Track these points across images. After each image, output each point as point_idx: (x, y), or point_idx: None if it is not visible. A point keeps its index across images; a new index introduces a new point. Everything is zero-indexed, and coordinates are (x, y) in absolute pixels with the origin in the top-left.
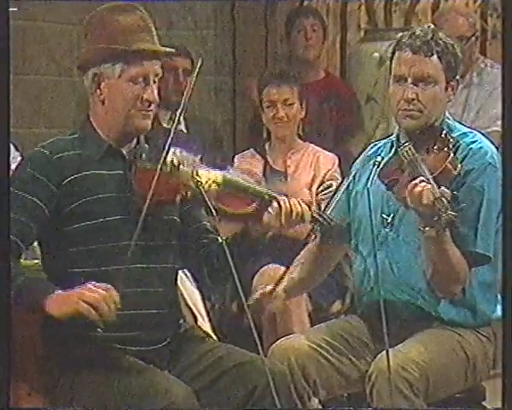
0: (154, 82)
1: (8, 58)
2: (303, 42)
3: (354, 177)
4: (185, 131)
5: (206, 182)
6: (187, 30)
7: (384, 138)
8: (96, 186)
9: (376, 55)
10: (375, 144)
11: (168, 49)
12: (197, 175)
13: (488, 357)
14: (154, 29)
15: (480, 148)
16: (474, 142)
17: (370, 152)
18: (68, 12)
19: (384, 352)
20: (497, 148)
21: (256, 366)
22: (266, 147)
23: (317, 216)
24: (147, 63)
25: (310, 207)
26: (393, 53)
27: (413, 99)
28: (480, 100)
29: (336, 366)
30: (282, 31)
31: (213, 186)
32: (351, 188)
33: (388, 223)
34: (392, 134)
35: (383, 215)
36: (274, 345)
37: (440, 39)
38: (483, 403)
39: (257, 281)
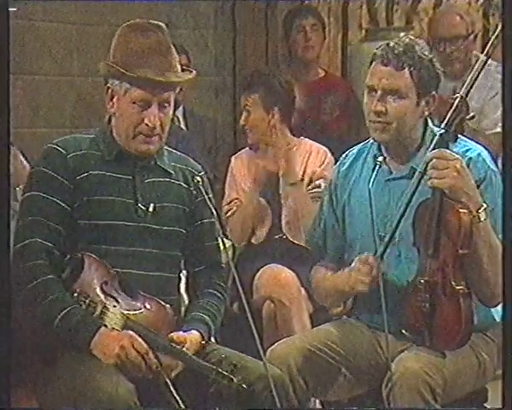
0: (164, 107)
1: (8, 58)
2: (302, 42)
3: (336, 194)
4: (185, 128)
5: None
6: (187, 29)
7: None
8: (102, 188)
9: None
10: (348, 153)
11: (175, 79)
12: (195, 178)
13: (494, 359)
14: (173, 53)
15: (479, 155)
16: (468, 149)
17: (349, 161)
18: (68, 11)
19: (404, 354)
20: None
21: (252, 369)
22: (260, 145)
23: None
24: (150, 89)
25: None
26: (370, 64)
27: (381, 112)
28: (481, 101)
29: (337, 368)
30: (282, 31)
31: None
32: (334, 205)
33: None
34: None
35: (380, 234)
36: (272, 347)
37: (415, 53)
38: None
39: (257, 281)
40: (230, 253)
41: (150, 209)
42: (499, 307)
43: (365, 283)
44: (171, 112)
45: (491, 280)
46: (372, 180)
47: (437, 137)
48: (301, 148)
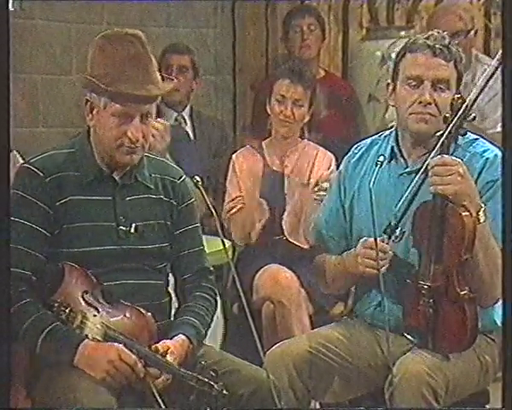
0: (146, 118)
1: (8, 58)
2: (299, 42)
3: (345, 185)
4: (191, 132)
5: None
6: (187, 29)
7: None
8: (82, 214)
9: (378, 53)
10: (359, 145)
11: (156, 92)
12: (194, 178)
13: (496, 360)
14: (152, 63)
15: (496, 156)
16: (486, 150)
17: (360, 153)
18: (67, 10)
19: (406, 356)
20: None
21: (245, 374)
22: (263, 144)
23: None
24: (130, 103)
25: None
26: (403, 54)
27: (429, 103)
28: (481, 102)
29: (337, 370)
30: (281, 30)
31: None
32: (342, 197)
33: (397, 236)
34: (374, 134)
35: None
36: (272, 349)
37: (455, 47)
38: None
39: (257, 282)
40: (230, 253)
41: (132, 230)
42: (500, 311)
43: (374, 267)
44: (152, 122)
45: (486, 281)
46: (373, 181)
47: (435, 139)
48: (306, 149)
